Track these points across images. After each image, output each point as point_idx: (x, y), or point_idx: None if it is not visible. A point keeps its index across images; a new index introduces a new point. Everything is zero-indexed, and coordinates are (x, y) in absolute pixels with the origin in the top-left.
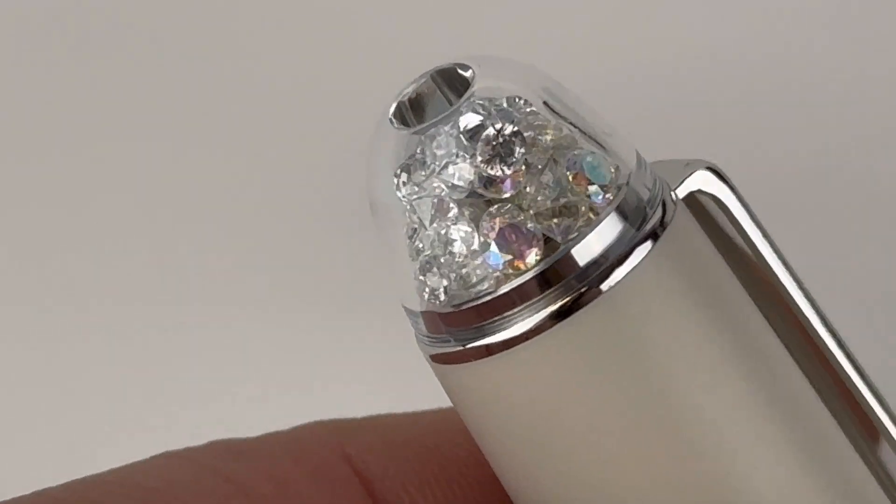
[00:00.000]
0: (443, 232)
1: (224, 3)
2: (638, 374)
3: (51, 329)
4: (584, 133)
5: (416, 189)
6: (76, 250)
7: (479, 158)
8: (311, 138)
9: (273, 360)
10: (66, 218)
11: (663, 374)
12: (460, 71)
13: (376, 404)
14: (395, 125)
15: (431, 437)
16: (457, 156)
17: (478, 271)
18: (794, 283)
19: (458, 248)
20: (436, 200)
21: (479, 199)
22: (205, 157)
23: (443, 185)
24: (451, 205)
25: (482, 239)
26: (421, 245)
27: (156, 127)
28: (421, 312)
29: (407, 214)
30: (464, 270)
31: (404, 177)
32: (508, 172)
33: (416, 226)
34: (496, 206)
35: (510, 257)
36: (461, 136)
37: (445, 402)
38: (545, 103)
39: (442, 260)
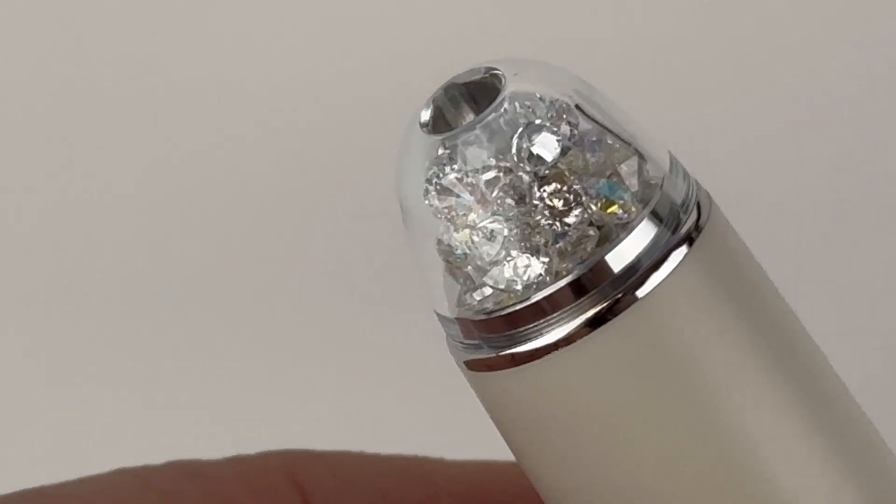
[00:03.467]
0: (541, 203)
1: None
2: (676, 381)
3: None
4: (617, 136)
5: (465, 187)
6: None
7: (534, 139)
8: (335, 143)
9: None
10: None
11: (702, 380)
12: (490, 74)
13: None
14: (427, 131)
15: (383, 479)
16: (516, 141)
17: (541, 265)
18: None
19: (513, 241)
20: (515, 181)
21: (540, 189)
22: (220, 157)
23: (524, 167)
24: (532, 183)
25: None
26: (469, 248)
27: (179, 127)
28: (455, 319)
29: (444, 217)
30: (518, 268)
31: (459, 179)
32: (562, 151)
33: (461, 228)
34: (558, 192)
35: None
36: (507, 125)
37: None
38: (577, 106)
39: (494, 258)
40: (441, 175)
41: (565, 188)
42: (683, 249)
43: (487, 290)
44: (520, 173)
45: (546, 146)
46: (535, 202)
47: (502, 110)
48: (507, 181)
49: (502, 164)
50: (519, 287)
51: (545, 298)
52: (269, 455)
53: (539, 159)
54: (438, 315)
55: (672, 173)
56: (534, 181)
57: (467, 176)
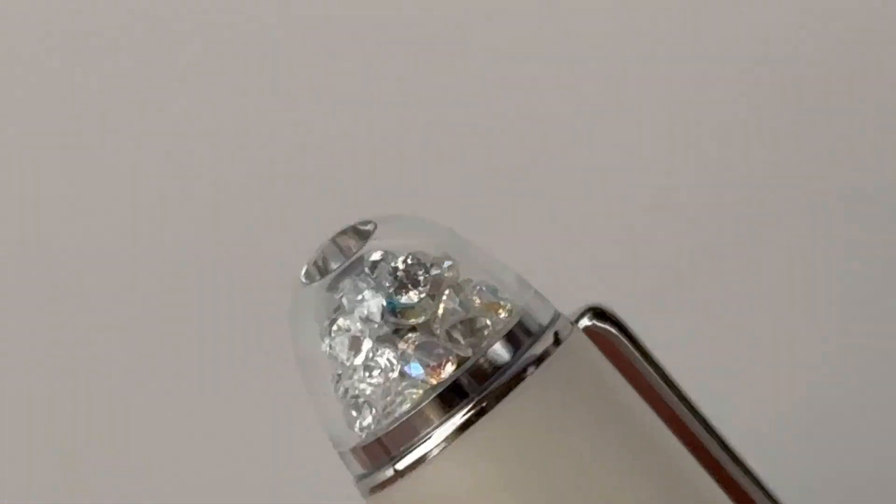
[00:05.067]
0: (369, 363)
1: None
2: (533, 484)
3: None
4: (481, 281)
5: (338, 333)
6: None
7: (390, 288)
8: (338, 146)
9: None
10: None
11: (556, 483)
12: (361, 228)
13: None
14: (306, 282)
15: None
16: (370, 291)
17: (399, 394)
18: (687, 409)
19: (378, 375)
20: (351, 338)
21: (395, 331)
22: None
23: (359, 324)
24: (367, 340)
25: (401, 358)
26: (347, 385)
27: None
28: (350, 450)
29: (332, 362)
30: (388, 398)
31: (330, 327)
32: (415, 298)
33: (341, 369)
34: (410, 332)
35: (429, 367)
36: (366, 275)
37: None
38: (444, 254)
39: (368, 391)
40: (328, 325)
41: (430, 336)
42: (532, 368)
43: (368, 418)
44: (385, 328)
45: (407, 298)
46: (402, 347)
47: (366, 267)
48: (374, 337)
49: (368, 322)
50: (405, 407)
51: (414, 415)
52: None
53: (399, 314)
54: (340, 454)
55: (533, 299)
56: (397, 332)
57: (350, 326)
